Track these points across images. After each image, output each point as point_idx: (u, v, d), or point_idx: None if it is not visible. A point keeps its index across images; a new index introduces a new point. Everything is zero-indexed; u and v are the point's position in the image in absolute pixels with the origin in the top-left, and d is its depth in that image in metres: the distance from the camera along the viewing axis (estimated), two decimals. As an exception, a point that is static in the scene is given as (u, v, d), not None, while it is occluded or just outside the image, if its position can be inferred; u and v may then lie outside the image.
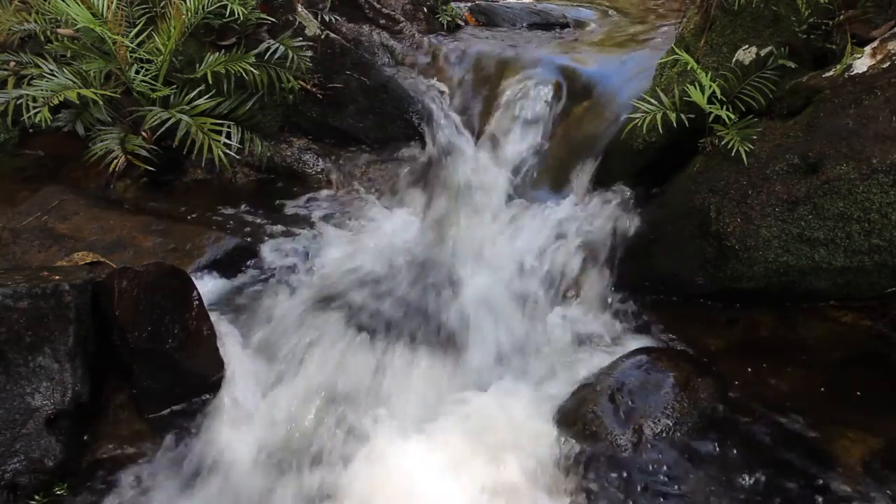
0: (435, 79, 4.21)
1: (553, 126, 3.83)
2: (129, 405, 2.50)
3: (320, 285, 3.05)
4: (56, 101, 3.14)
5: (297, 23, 3.79)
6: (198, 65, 3.45)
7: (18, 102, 3.15)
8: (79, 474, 2.32)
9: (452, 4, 4.94)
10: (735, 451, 2.29)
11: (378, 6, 4.49)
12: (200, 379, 2.55)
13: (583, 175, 3.47)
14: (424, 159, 3.81)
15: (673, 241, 2.89)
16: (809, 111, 2.62)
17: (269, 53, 3.54)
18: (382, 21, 4.47)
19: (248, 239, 3.24)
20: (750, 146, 2.68)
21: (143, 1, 3.59)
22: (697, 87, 2.78)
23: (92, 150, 3.27)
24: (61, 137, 3.56)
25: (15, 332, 2.26)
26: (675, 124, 2.85)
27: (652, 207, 3.10)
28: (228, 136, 3.38)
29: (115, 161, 3.23)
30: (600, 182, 3.39)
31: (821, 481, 2.17)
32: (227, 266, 3.08)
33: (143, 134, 3.38)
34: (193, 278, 2.64)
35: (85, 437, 2.40)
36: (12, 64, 3.47)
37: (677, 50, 3.06)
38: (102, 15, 3.27)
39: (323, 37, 3.87)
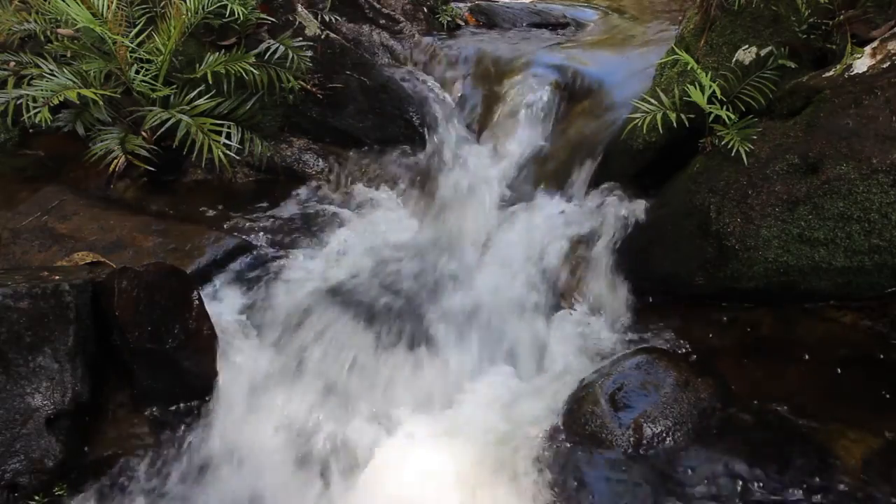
0: (435, 79, 4.21)
1: (553, 126, 3.83)
2: (130, 405, 2.50)
3: (320, 284, 3.05)
4: (56, 101, 3.14)
5: (297, 23, 3.79)
6: (198, 65, 3.44)
7: (18, 102, 3.15)
8: (79, 474, 2.32)
9: (452, 4, 4.94)
10: (735, 452, 2.29)
11: (378, 6, 4.49)
12: (201, 378, 2.56)
13: (583, 175, 3.47)
14: (424, 159, 3.81)
15: (673, 242, 2.89)
16: (809, 111, 2.62)
17: (269, 53, 3.54)
18: (382, 21, 4.47)
19: (249, 238, 3.24)
20: (750, 146, 2.68)
21: (143, 1, 3.59)
22: (697, 87, 2.78)
23: (92, 150, 3.27)
24: (61, 137, 3.57)
25: (15, 332, 2.26)
26: (675, 124, 2.85)
27: (652, 207, 3.10)
28: (228, 136, 3.38)
29: (115, 161, 3.23)
30: (600, 182, 3.39)
31: (821, 481, 2.17)
32: (227, 265, 3.08)
33: (143, 134, 3.38)
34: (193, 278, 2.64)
35: (85, 437, 2.40)
36: (12, 64, 3.46)
37: (677, 50, 3.06)
38: (102, 15, 3.27)
39: (323, 37, 3.86)
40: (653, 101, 2.99)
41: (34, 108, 3.12)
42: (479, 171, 3.71)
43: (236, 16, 3.48)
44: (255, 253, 3.18)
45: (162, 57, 3.35)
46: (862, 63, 2.57)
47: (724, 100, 2.84)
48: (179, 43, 3.40)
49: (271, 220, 3.45)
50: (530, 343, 2.89)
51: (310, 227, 3.40)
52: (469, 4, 5.11)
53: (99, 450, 2.39)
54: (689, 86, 2.82)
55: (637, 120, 2.96)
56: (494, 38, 4.67)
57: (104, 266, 2.77)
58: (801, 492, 2.15)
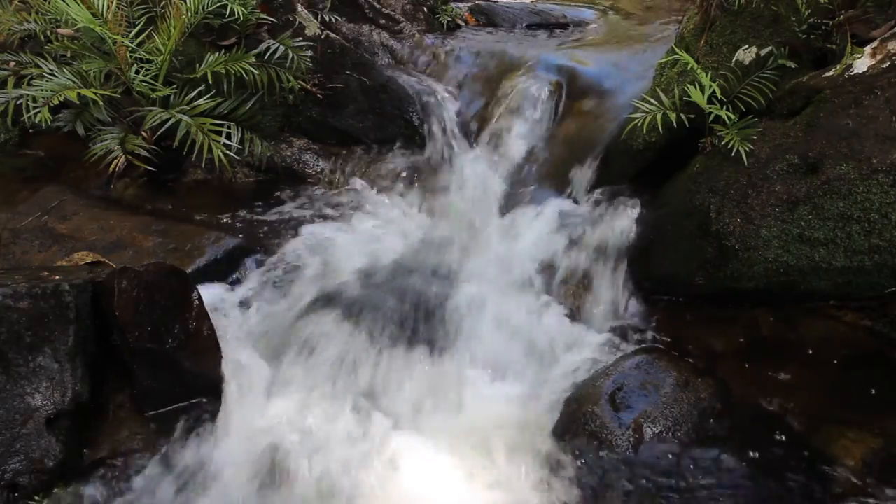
0: (435, 79, 4.21)
1: (553, 126, 3.83)
2: (130, 405, 2.50)
3: (320, 284, 3.05)
4: (56, 101, 3.14)
5: (297, 23, 3.80)
6: (198, 65, 3.45)
7: (18, 102, 3.15)
8: (79, 474, 2.32)
9: (452, 4, 4.94)
10: (735, 452, 2.29)
11: (378, 6, 4.49)
12: (201, 379, 2.55)
13: (583, 175, 3.47)
14: (424, 159, 3.81)
15: (673, 242, 2.89)
16: (809, 111, 2.62)
17: (269, 53, 3.55)
18: (382, 21, 4.47)
19: (249, 238, 3.24)
20: (750, 146, 2.68)
21: (143, 1, 3.59)
22: (697, 87, 2.78)
23: (92, 150, 3.27)
24: (61, 137, 3.57)
25: (15, 332, 2.26)
26: (675, 124, 2.85)
27: (652, 207, 3.10)
28: (228, 136, 3.39)
29: (115, 161, 3.24)
30: (600, 182, 3.39)
31: (821, 481, 2.17)
32: (227, 266, 3.08)
33: (143, 134, 3.38)
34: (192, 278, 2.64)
35: (85, 437, 2.40)
36: (12, 64, 3.47)
37: (677, 50, 3.06)
38: (102, 15, 3.28)
39: (323, 37, 3.87)
40: (653, 101, 2.99)
41: (34, 108, 3.12)
42: (478, 171, 3.71)
43: (236, 16, 3.48)
44: (254, 253, 3.18)
45: (162, 57, 3.35)
46: (862, 63, 2.57)
47: (724, 100, 2.84)
48: (179, 43, 3.41)
49: (271, 219, 3.45)
50: (530, 343, 2.88)
51: (309, 227, 3.40)
52: (469, 4, 5.12)
53: (99, 450, 2.39)
54: (689, 86, 2.83)
55: (637, 120, 2.96)
56: (494, 38, 4.67)
57: (104, 266, 2.77)
58: (800, 492, 2.16)
